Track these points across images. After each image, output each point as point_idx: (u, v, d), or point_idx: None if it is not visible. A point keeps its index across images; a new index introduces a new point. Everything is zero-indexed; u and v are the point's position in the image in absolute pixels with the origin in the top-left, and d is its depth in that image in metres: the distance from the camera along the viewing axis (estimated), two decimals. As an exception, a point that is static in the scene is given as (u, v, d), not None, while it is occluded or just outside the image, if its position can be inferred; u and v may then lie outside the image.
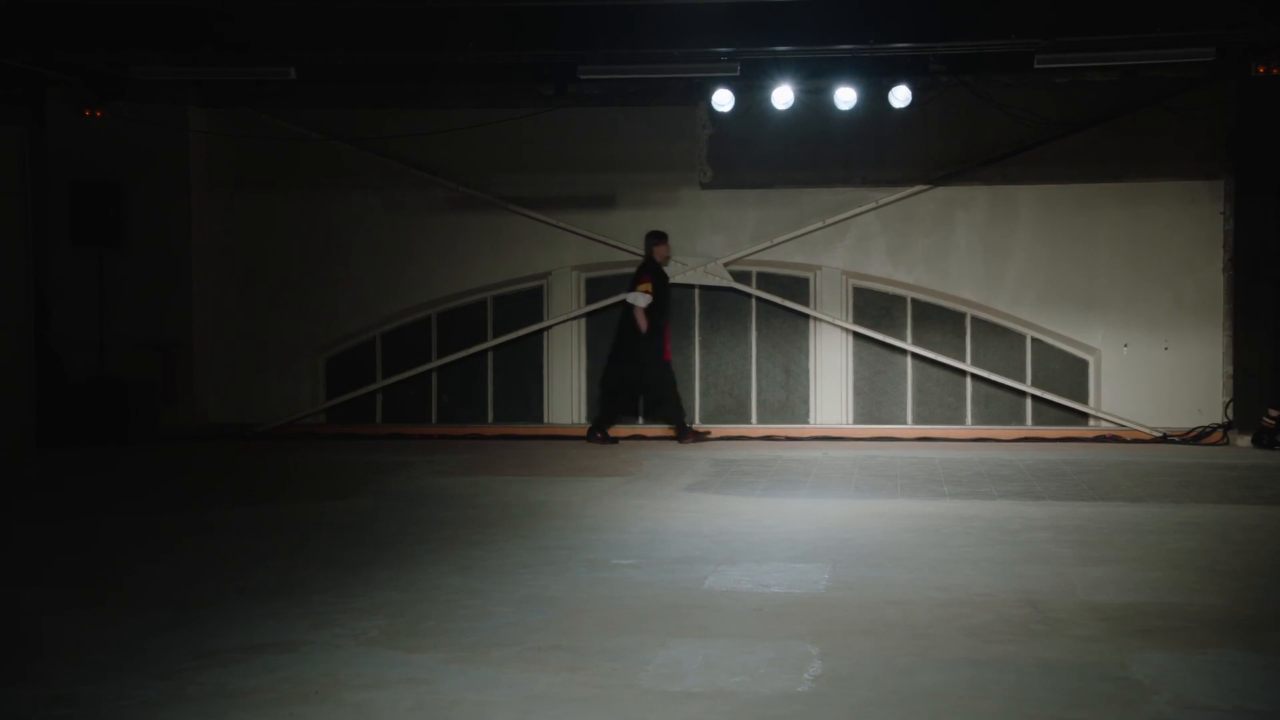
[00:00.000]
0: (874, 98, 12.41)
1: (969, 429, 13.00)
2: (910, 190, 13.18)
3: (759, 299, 13.37)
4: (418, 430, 13.36)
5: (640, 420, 13.34)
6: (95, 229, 13.07)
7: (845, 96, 12.22)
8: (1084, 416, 13.01)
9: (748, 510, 8.64)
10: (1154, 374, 12.91)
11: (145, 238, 13.34)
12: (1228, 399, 12.64)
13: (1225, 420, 12.57)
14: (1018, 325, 13.13)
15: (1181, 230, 12.89)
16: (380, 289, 13.70)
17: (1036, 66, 10.94)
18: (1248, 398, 12.34)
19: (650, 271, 12.59)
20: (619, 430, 12.88)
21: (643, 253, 12.79)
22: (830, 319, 13.25)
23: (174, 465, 11.57)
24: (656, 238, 12.72)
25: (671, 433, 12.75)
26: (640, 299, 12.44)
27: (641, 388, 12.94)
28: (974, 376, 13.14)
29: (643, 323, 12.40)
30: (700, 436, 12.61)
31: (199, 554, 7.32)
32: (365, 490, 9.69)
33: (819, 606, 5.91)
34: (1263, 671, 4.92)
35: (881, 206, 13.22)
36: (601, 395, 12.95)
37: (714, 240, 13.43)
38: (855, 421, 13.22)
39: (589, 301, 13.58)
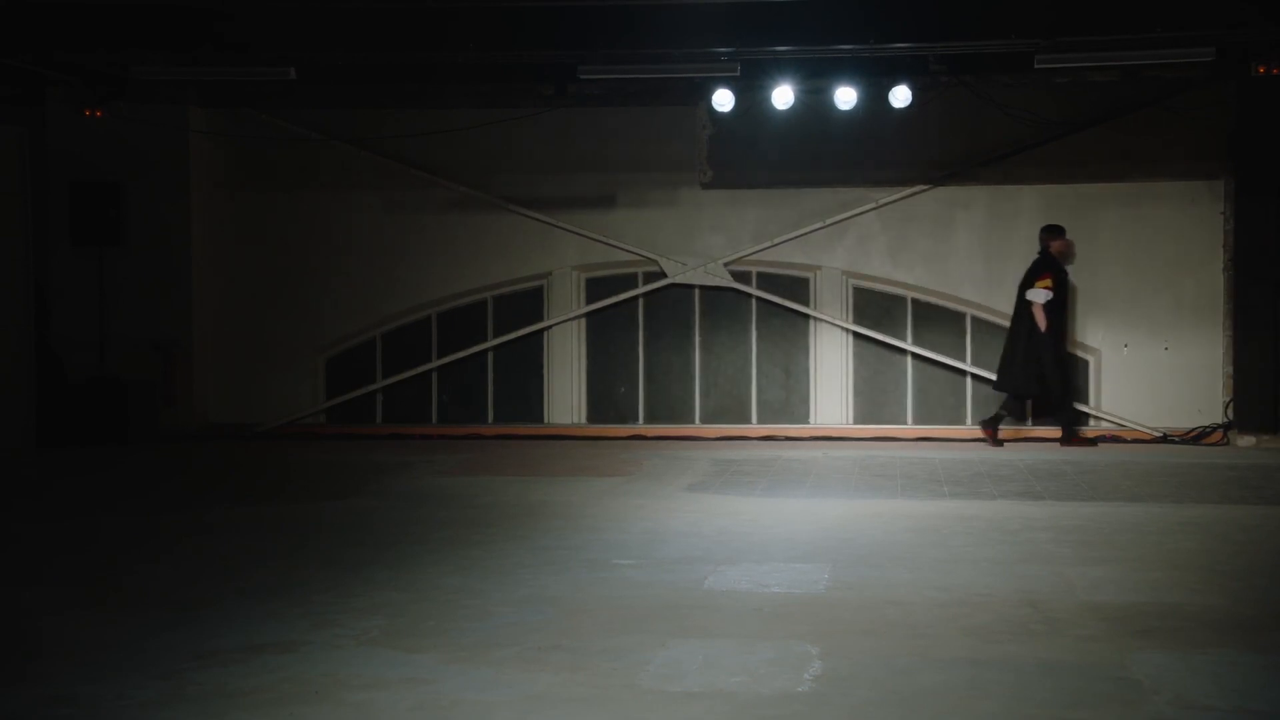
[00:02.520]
0: (874, 98, 12.40)
1: (969, 429, 12.99)
2: (910, 190, 13.18)
3: (759, 299, 13.37)
4: (418, 430, 13.36)
5: (1029, 421, 12.87)
6: (95, 229, 13.06)
7: (845, 96, 12.21)
8: (1084, 416, 13.00)
9: (748, 510, 8.65)
10: (1154, 374, 12.91)
11: (145, 238, 13.33)
12: (1228, 399, 12.63)
13: (1225, 420, 12.57)
14: (1018, 325, 13.12)
15: (1181, 230, 12.88)
16: (380, 289, 13.70)
17: (1036, 66, 10.93)
18: (1248, 398, 12.33)
19: (1050, 267, 12.26)
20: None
21: (1039, 248, 12.43)
22: (830, 319, 13.25)
23: (174, 465, 11.57)
24: (1052, 231, 12.39)
25: (1058, 434, 12.40)
26: (1039, 295, 12.14)
27: (1040, 386, 12.33)
28: (974, 376, 13.13)
29: (1041, 320, 12.10)
30: (1088, 442, 12.28)
31: (199, 554, 7.32)
32: (365, 490, 9.69)
33: (819, 606, 5.91)
34: (1263, 671, 4.92)
35: (881, 206, 13.21)
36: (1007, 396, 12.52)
37: (714, 240, 13.42)
38: (855, 421, 13.21)
39: (589, 301, 13.58)
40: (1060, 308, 12.35)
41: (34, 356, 12.57)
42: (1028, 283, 12.34)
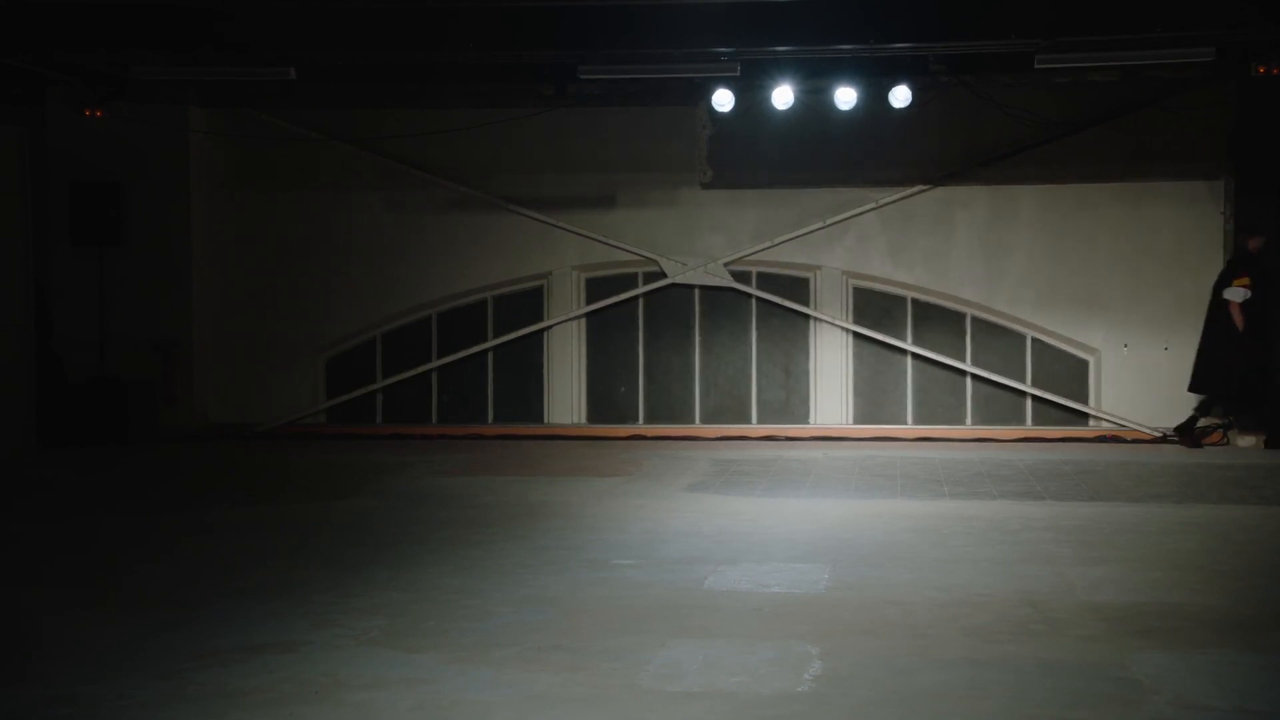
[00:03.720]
0: (874, 98, 12.40)
1: (969, 429, 12.99)
2: (910, 190, 13.18)
3: (759, 299, 13.37)
4: (418, 430, 13.36)
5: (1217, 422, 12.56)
6: (95, 229, 13.06)
7: (845, 96, 12.20)
8: (1084, 416, 13.00)
9: (748, 510, 8.65)
10: (1154, 374, 12.90)
11: (145, 238, 13.33)
12: (1228, 399, 12.63)
13: (1225, 420, 12.56)
14: (1018, 325, 13.13)
15: (1181, 230, 12.88)
16: (380, 289, 13.69)
17: (1036, 66, 10.93)
18: (1248, 398, 12.33)
19: (1247, 265, 12.06)
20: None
21: (1234, 246, 12.27)
22: (830, 319, 13.25)
23: (174, 465, 11.57)
24: (1249, 230, 12.17)
25: None
26: (1238, 294, 11.94)
27: (1237, 386, 12.10)
28: (974, 376, 13.13)
29: (1239, 319, 11.91)
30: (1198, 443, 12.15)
31: (199, 554, 7.32)
32: (365, 490, 9.69)
33: (819, 606, 5.91)
34: (1263, 671, 4.92)
35: (881, 206, 13.21)
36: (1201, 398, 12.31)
37: (714, 240, 13.42)
38: (855, 421, 13.21)
39: (589, 301, 13.57)
40: (1258, 307, 12.13)
41: (34, 356, 12.56)
42: (1224, 282, 12.15)
